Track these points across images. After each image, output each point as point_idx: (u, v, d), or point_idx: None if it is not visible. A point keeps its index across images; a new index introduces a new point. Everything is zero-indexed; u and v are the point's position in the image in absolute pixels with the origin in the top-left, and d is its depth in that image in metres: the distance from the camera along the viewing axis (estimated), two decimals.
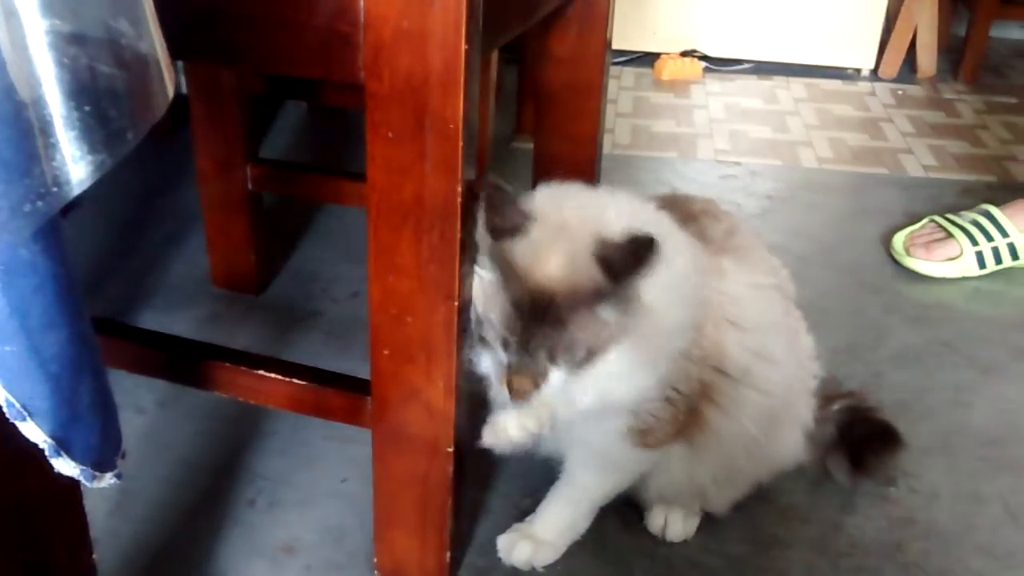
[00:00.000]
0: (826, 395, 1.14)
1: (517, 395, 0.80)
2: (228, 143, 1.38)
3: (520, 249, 0.79)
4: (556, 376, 0.80)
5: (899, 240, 1.66)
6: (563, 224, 0.80)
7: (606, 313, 0.78)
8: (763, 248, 1.01)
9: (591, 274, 0.77)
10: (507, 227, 0.80)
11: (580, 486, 1.00)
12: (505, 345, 0.80)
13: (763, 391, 0.95)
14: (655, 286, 0.79)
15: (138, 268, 1.55)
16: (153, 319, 1.41)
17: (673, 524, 1.05)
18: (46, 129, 0.41)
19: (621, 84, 2.49)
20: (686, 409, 0.91)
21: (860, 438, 1.12)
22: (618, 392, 0.84)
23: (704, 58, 2.59)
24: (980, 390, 1.33)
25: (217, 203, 1.43)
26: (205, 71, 1.33)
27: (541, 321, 0.77)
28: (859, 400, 1.17)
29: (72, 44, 0.40)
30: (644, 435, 0.90)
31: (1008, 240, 1.60)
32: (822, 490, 1.13)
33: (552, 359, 0.79)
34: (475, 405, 0.94)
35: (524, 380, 0.80)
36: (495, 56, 1.75)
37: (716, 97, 2.42)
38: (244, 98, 1.36)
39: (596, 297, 0.77)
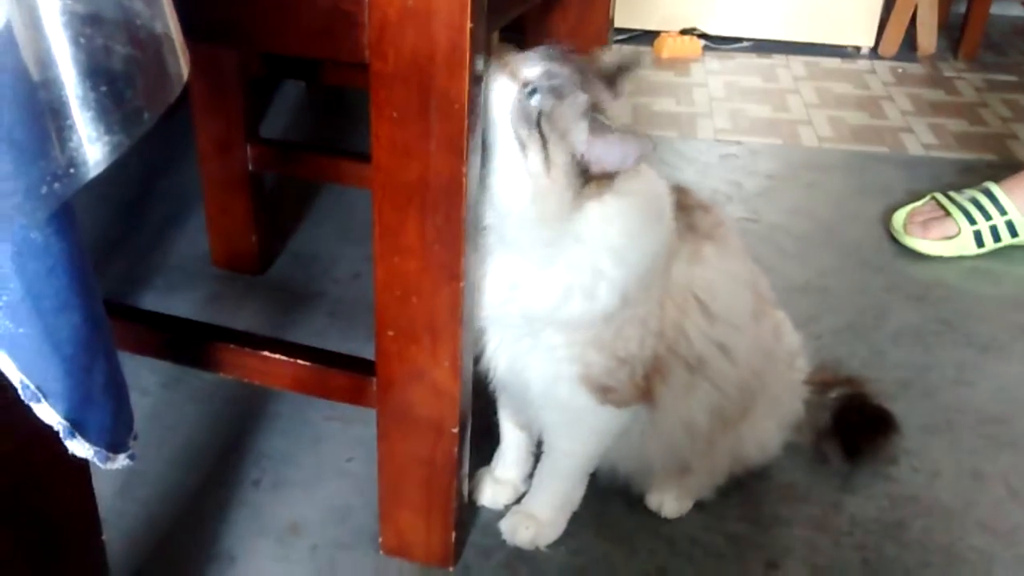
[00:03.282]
0: (823, 381, 1.15)
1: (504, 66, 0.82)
2: (229, 123, 1.37)
3: None
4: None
5: (899, 218, 1.66)
6: None
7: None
8: (745, 251, 1.02)
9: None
10: None
11: (563, 454, 1.00)
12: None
13: (717, 386, 0.96)
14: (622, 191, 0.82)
15: (139, 249, 1.54)
16: (154, 300, 1.41)
17: (668, 502, 1.07)
18: (62, 110, 0.40)
19: None
20: (642, 375, 0.91)
21: (855, 425, 1.13)
22: (571, 299, 0.85)
23: (703, 36, 2.57)
24: (981, 368, 1.34)
25: (218, 183, 1.43)
26: (206, 51, 1.32)
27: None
28: (855, 387, 1.17)
29: (87, 24, 0.40)
30: (605, 392, 0.90)
31: (1007, 218, 1.60)
32: (822, 469, 1.13)
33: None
34: (481, 384, 0.95)
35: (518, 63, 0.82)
36: (495, 36, 1.74)
37: (716, 76, 2.42)
38: (244, 78, 1.35)
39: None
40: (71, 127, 0.41)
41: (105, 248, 1.54)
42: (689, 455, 1.02)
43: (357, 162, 1.40)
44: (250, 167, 1.40)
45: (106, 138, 0.42)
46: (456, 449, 0.92)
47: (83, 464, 0.60)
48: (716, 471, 1.06)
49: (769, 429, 1.06)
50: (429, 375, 0.88)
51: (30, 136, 0.40)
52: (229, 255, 1.49)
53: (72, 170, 0.41)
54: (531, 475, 1.08)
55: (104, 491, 1.02)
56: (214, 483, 1.09)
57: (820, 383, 1.14)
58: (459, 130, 0.77)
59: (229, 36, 0.88)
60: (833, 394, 1.14)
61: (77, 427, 0.54)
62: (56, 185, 0.41)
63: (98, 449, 0.57)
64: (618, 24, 2.57)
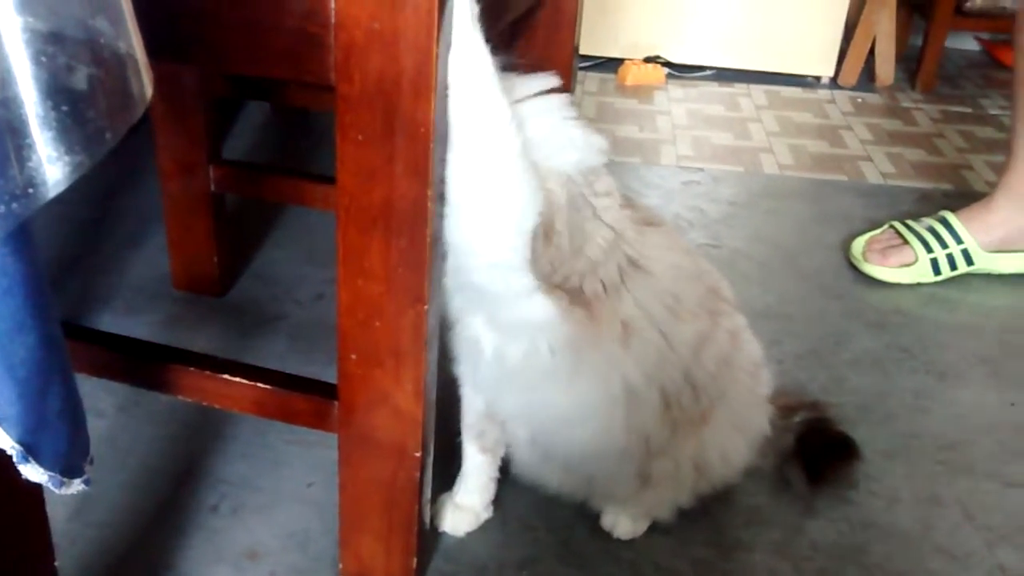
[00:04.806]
0: (787, 405, 1.15)
1: None
2: (191, 144, 1.36)
3: None
4: None
5: (858, 246, 1.68)
6: None
7: None
8: (692, 250, 1.03)
9: None
10: None
11: None
12: None
13: (651, 355, 0.94)
14: None
15: (97, 269, 1.52)
16: (112, 321, 1.39)
17: (622, 523, 1.06)
18: (22, 129, 0.40)
19: (585, 89, 2.50)
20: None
21: (818, 450, 1.14)
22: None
23: (667, 64, 2.61)
24: (938, 395, 1.35)
25: (179, 204, 1.41)
26: (168, 70, 1.31)
27: None
28: (819, 411, 1.18)
29: (49, 43, 0.39)
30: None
31: (963, 246, 1.63)
32: (784, 493, 1.14)
33: None
34: (443, 409, 0.95)
35: None
36: None
37: (679, 103, 2.44)
38: (207, 98, 1.34)
39: None
40: (31, 146, 0.40)
41: (63, 268, 1.51)
42: (647, 439, 0.99)
43: (320, 184, 1.40)
44: (212, 188, 1.39)
45: (67, 158, 0.41)
46: (418, 474, 0.91)
47: (36, 488, 0.58)
48: (680, 481, 1.04)
49: (733, 440, 1.05)
50: (392, 399, 0.88)
51: None
52: (190, 277, 1.47)
53: (31, 190, 0.40)
54: (493, 501, 1.07)
55: (57, 515, 1.00)
56: (171, 508, 1.07)
57: (784, 407, 1.14)
58: (424, 153, 0.77)
59: (193, 56, 0.87)
60: (797, 418, 1.15)
61: (31, 452, 0.53)
62: (14, 205, 0.40)
63: (52, 474, 0.55)
64: (583, 51, 2.59)
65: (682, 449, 1.01)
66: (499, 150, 0.80)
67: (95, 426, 1.17)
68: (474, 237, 0.83)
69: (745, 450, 1.08)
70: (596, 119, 2.31)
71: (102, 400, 1.21)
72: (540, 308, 0.88)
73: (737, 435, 1.06)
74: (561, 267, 0.87)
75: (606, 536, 1.06)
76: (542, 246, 0.84)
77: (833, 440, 1.15)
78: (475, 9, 0.77)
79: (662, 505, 1.06)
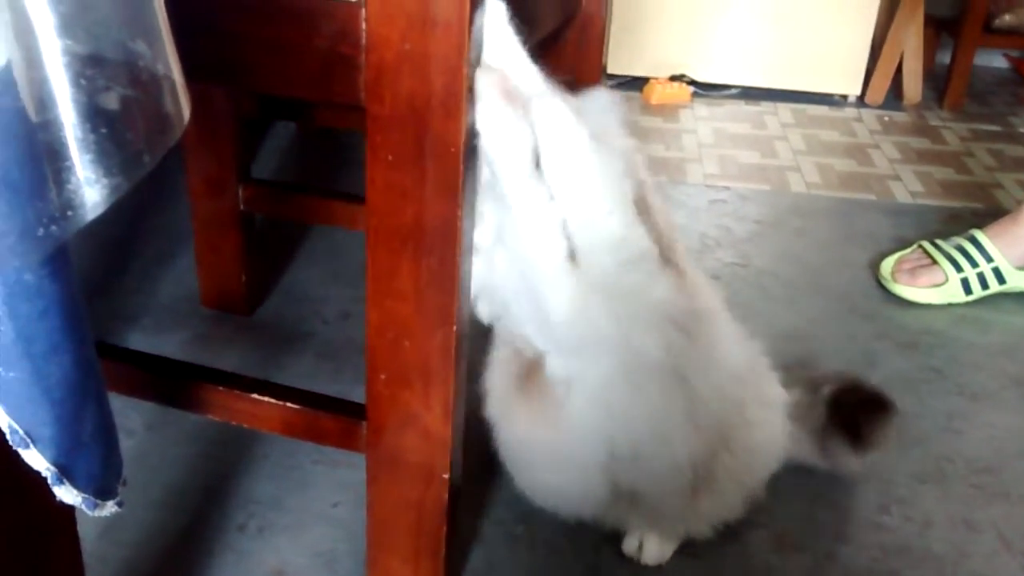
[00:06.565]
0: (814, 379, 1.16)
1: None
2: (220, 163, 1.37)
3: None
4: None
5: (887, 266, 1.67)
6: None
7: None
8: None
9: None
10: None
11: None
12: None
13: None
14: None
15: (126, 288, 1.53)
16: (141, 340, 1.40)
17: (649, 547, 1.04)
18: (61, 152, 0.40)
19: None
20: None
21: (853, 410, 1.14)
22: None
23: (693, 83, 2.60)
24: (971, 417, 1.33)
25: (208, 223, 1.42)
26: (199, 90, 1.32)
27: None
28: (845, 381, 1.18)
29: (88, 66, 0.39)
30: None
31: (993, 264, 1.61)
32: (815, 518, 1.13)
33: None
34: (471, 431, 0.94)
35: None
36: None
37: (705, 122, 2.44)
38: (237, 118, 1.35)
39: None
40: (70, 169, 0.40)
41: (93, 286, 1.52)
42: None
43: (348, 203, 1.40)
44: (241, 207, 1.40)
45: (105, 180, 0.41)
46: (447, 495, 0.90)
47: (68, 508, 0.58)
48: (734, 480, 1.01)
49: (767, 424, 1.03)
50: (421, 420, 0.87)
51: (27, 177, 0.40)
52: (218, 295, 1.48)
53: (70, 212, 0.41)
54: (522, 524, 1.06)
55: (86, 534, 0.99)
56: (199, 527, 1.07)
57: (809, 381, 1.15)
58: (454, 174, 0.77)
59: (226, 77, 0.88)
60: (825, 390, 1.15)
61: (66, 473, 0.53)
62: (53, 227, 0.40)
63: (86, 496, 0.56)
64: (609, 71, 2.60)
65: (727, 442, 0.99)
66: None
67: (124, 445, 1.16)
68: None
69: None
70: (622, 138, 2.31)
71: (131, 419, 1.21)
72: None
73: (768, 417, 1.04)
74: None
75: (634, 561, 1.05)
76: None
77: (865, 397, 1.15)
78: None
79: (707, 516, 1.03)
